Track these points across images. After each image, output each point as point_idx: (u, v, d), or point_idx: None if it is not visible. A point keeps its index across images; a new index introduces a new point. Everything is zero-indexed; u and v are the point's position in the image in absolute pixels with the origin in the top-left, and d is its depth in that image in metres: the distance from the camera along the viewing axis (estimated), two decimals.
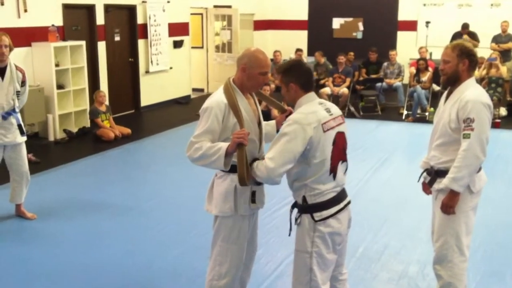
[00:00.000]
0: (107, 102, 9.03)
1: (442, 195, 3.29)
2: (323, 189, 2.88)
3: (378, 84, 10.94)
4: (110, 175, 6.88)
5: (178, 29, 11.70)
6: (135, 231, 5.08)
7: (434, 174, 3.38)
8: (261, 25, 14.90)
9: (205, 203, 3.24)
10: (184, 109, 11.28)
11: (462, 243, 3.32)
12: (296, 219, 2.98)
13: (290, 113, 3.08)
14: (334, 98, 10.72)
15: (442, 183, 3.26)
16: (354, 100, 10.87)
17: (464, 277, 3.38)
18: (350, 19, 14.42)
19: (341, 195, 2.97)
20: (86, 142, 8.49)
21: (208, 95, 14.76)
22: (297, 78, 2.92)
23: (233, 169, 2.98)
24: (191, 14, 12.39)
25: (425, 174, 3.51)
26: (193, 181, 6.54)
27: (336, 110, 3.01)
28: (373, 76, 11.43)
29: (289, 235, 3.10)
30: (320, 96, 10.83)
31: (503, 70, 10.10)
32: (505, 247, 4.73)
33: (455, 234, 3.30)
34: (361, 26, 14.37)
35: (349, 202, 3.03)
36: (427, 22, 12.52)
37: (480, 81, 10.02)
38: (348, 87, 10.60)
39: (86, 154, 7.74)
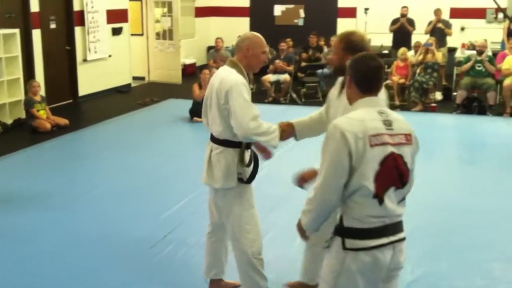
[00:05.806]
0: (43, 93, 8.72)
1: None
2: (363, 213, 2.40)
3: (319, 71, 11.06)
4: (48, 167, 6.65)
5: (116, 16, 11.41)
6: (78, 223, 4.96)
7: None
8: (203, 12, 14.74)
9: (203, 176, 3.43)
10: (125, 98, 11.04)
11: None
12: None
13: None
14: (277, 85, 10.77)
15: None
16: (296, 87, 10.96)
17: None
18: (292, 6, 14.47)
19: (388, 229, 2.44)
20: (21, 134, 8.18)
21: (149, 83, 14.13)
22: (355, 73, 2.49)
23: (229, 144, 3.30)
24: (130, 0, 12.09)
25: None
26: (134, 170, 6.46)
27: (401, 126, 2.45)
28: (314, 58, 11.53)
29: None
30: (262, 83, 10.93)
31: (439, 55, 10.41)
32: (441, 227, 4.91)
33: None
34: (302, 13, 14.46)
35: (401, 239, 2.51)
36: (366, 9, 12.72)
37: (416, 66, 10.31)
38: (290, 74, 10.66)
39: (22, 146, 7.46)
